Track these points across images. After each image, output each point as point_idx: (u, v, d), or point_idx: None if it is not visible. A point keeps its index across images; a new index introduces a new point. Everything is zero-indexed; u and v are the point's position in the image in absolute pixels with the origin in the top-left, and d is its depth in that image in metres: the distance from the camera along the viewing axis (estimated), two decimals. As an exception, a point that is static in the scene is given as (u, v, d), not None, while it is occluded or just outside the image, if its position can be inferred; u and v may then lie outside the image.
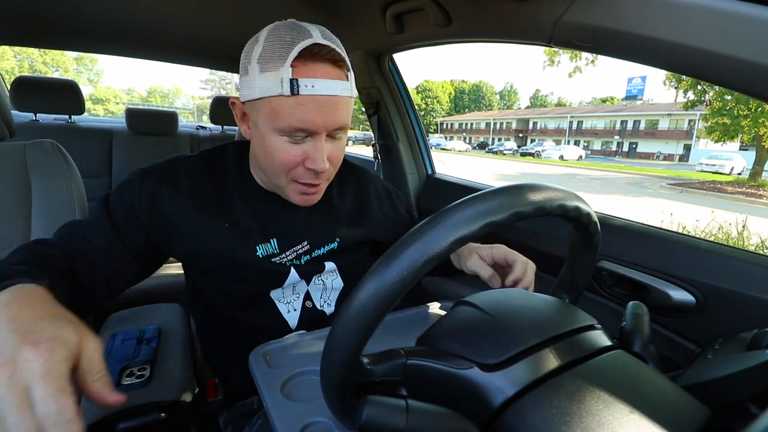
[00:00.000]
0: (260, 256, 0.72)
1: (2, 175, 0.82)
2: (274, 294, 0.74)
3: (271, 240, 0.74)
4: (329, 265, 0.78)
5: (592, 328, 0.45)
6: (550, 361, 0.38)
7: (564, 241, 0.55)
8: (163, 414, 0.72)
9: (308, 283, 0.76)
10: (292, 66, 0.59)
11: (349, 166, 0.88)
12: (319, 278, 0.78)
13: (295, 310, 0.76)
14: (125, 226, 0.68)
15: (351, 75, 0.65)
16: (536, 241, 1.07)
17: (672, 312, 0.79)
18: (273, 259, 0.73)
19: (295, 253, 0.75)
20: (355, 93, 0.67)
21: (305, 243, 0.76)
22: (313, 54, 0.59)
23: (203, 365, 0.91)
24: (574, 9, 0.68)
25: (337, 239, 0.79)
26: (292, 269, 0.74)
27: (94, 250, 0.64)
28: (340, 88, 0.61)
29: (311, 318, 0.77)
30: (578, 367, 0.39)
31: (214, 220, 0.70)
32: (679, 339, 0.81)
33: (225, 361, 0.83)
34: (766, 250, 3.60)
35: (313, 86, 0.59)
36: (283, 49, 0.59)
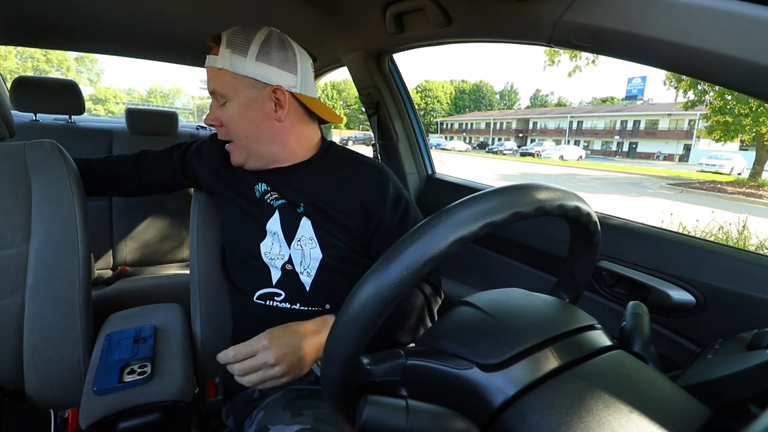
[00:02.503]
0: (257, 192, 0.87)
1: (2, 175, 0.82)
2: (263, 247, 0.84)
3: (260, 183, 0.88)
4: (305, 223, 0.83)
5: (592, 328, 0.45)
6: (550, 361, 0.38)
7: (564, 241, 0.55)
8: (163, 414, 0.72)
9: (289, 246, 0.83)
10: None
11: (367, 161, 0.92)
12: (299, 243, 0.83)
13: (276, 267, 0.83)
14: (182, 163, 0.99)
15: (224, 51, 0.78)
16: (536, 241, 1.08)
17: (672, 312, 0.79)
18: (266, 196, 0.86)
19: (273, 196, 0.86)
20: (226, 65, 0.78)
21: (282, 200, 0.86)
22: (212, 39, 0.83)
23: (203, 365, 0.91)
24: (574, 9, 0.68)
25: (311, 197, 0.85)
26: (277, 212, 0.84)
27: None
28: (210, 61, 0.80)
29: (290, 277, 0.83)
30: (578, 367, 0.39)
31: (224, 173, 0.91)
32: (679, 339, 0.81)
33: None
34: (766, 250, 3.60)
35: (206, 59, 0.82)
36: None
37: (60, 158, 0.87)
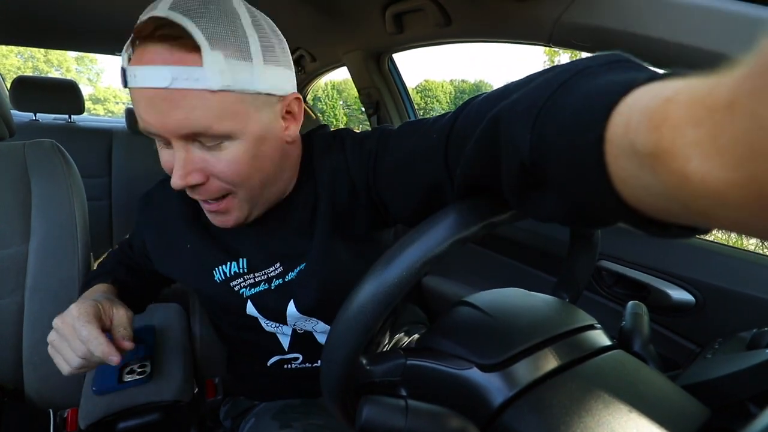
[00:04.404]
0: (218, 280, 0.64)
1: (2, 174, 0.82)
2: (259, 319, 0.67)
3: (240, 260, 0.64)
4: (291, 311, 0.64)
5: (591, 327, 0.45)
6: (550, 361, 0.38)
7: (564, 240, 0.55)
8: (162, 414, 0.72)
9: (286, 324, 0.67)
10: (129, 50, 0.47)
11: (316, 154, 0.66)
12: (295, 325, 0.67)
13: (284, 333, 0.69)
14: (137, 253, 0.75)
15: (214, 55, 0.44)
16: (536, 241, 1.07)
17: (672, 311, 0.79)
18: (232, 283, 0.64)
19: (265, 276, 0.64)
20: (229, 82, 0.45)
21: (277, 265, 0.64)
22: (146, 33, 0.45)
23: (203, 365, 0.91)
24: (574, 9, 0.68)
25: (307, 257, 0.63)
26: (249, 303, 0.64)
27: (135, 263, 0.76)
28: (170, 78, 0.43)
29: (303, 340, 0.70)
30: (578, 367, 0.39)
31: (177, 245, 0.66)
32: (678, 339, 0.81)
33: (226, 367, 0.84)
34: (765, 250, 3.60)
35: (135, 76, 0.45)
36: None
37: (60, 158, 0.87)
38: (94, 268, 0.80)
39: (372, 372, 0.39)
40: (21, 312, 0.79)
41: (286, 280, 0.64)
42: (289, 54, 0.55)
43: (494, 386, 0.37)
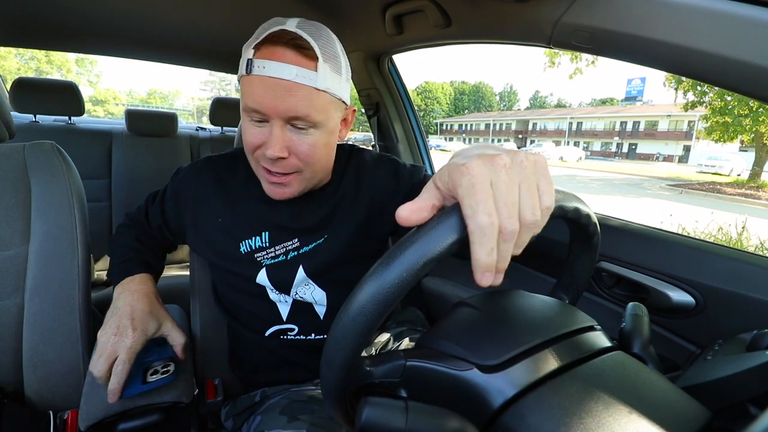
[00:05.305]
0: (243, 251, 0.76)
1: (2, 176, 0.82)
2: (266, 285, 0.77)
3: (263, 233, 0.76)
4: (299, 275, 0.76)
5: (591, 329, 0.45)
6: (550, 362, 0.38)
7: (564, 242, 0.55)
8: (162, 415, 0.72)
9: (288, 294, 0.78)
10: (254, 48, 0.62)
11: (353, 155, 0.85)
12: (296, 292, 0.77)
13: (285, 301, 0.78)
14: (163, 214, 0.83)
15: (324, 66, 0.62)
16: (536, 243, 1.07)
17: (671, 313, 0.79)
18: (257, 255, 0.76)
19: (284, 249, 0.76)
20: (328, 86, 0.63)
21: (295, 240, 0.77)
22: (276, 38, 0.60)
23: (202, 366, 0.91)
24: (574, 10, 0.68)
25: (324, 236, 0.77)
26: (263, 271, 0.76)
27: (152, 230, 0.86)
28: (294, 73, 0.60)
29: (301, 310, 0.79)
30: (578, 369, 0.39)
31: (210, 219, 0.78)
32: (678, 340, 0.81)
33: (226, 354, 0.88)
34: (766, 252, 3.60)
35: (264, 67, 0.60)
36: (257, 35, 0.63)
37: (59, 159, 0.87)
38: (94, 274, 0.81)
39: (372, 373, 0.39)
40: (21, 313, 0.79)
41: (300, 252, 0.76)
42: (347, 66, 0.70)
43: (494, 387, 0.37)
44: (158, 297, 0.76)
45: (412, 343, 0.89)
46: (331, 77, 0.63)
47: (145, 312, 0.69)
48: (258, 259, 0.76)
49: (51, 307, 0.81)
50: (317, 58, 0.61)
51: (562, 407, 0.34)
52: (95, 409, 0.68)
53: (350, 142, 1.01)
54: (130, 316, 0.67)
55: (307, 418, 0.69)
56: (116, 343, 0.63)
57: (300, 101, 0.61)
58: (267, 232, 0.76)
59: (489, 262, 0.31)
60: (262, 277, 0.76)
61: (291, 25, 0.62)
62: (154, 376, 0.70)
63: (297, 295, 0.77)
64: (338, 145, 0.80)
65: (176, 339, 0.71)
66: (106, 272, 1.83)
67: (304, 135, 0.65)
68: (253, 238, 0.76)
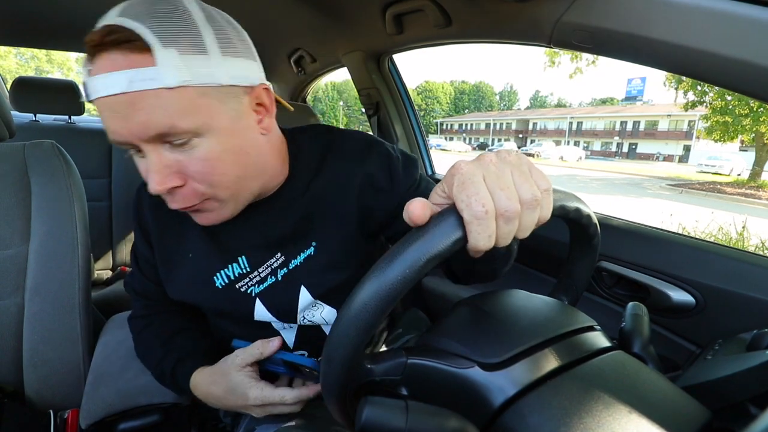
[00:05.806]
0: (219, 286, 0.64)
1: (2, 175, 0.82)
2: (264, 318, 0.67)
3: (239, 259, 0.64)
4: (304, 299, 0.64)
5: (591, 329, 0.45)
6: (550, 361, 0.39)
7: (564, 242, 0.55)
8: (162, 415, 0.72)
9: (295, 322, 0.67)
10: (88, 65, 0.47)
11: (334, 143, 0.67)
12: (303, 315, 0.66)
13: (291, 327, 0.68)
14: (147, 274, 0.72)
15: (167, 53, 0.44)
16: (536, 243, 1.08)
17: (672, 313, 0.79)
18: (238, 285, 0.64)
19: (269, 268, 0.64)
20: (186, 77, 0.45)
21: (278, 254, 0.64)
22: (96, 45, 0.45)
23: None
24: (574, 10, 0.68)
25: (313, 243, 0.64)
26: (258, 303, 0.64)
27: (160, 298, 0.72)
28: (126, 81, 0.43)
29: (309, 334, 0.69)
30: (578, 368, 0.39)
31: (177, 254, 0.66)
32: (678, 340, 0.81)
33: None
34: (766, 251, 3.60)
35: (95, 87, 0.45)
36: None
37: (60, 159, 0.87)
38: (94, 273, 0.78)
39: (373, 371, 0.39)
40: (21, 313, 0.79)
41: (290, 268, 0.64)
42: (251, 45, 0.55)
43: (495, 385, 0.37)
44: (226, 371, 0.61)
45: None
46: (188, 62, 0.45)
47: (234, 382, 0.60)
48: (242, 289, 0.64)
49: (51, 306, 0.81)
50: (150, 47, 0.44)
51: (562, 407, 0.34)
52: (97, 407, 0.69)
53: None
54: (231, 391, 0.60)
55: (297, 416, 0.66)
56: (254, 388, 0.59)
57: (151, 113, 0.45)
58: (243, 256, 0.64)
59: (489, 247, 0.31)
60: (261, 312, 0.64)
61: (112, 16, 0.46)
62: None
63: (305, 320, 0.67)
64: (298, 128, 0.68)
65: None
66: (106, 272, 1.84)
67: (189, 151, 0.49)
68: (229, 266, 0.64)
